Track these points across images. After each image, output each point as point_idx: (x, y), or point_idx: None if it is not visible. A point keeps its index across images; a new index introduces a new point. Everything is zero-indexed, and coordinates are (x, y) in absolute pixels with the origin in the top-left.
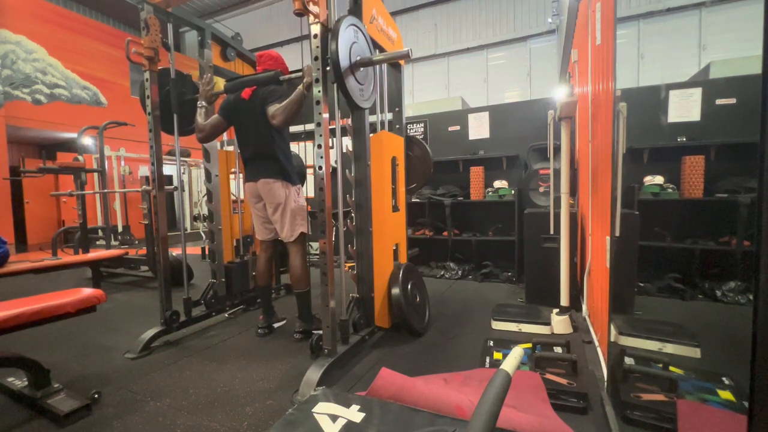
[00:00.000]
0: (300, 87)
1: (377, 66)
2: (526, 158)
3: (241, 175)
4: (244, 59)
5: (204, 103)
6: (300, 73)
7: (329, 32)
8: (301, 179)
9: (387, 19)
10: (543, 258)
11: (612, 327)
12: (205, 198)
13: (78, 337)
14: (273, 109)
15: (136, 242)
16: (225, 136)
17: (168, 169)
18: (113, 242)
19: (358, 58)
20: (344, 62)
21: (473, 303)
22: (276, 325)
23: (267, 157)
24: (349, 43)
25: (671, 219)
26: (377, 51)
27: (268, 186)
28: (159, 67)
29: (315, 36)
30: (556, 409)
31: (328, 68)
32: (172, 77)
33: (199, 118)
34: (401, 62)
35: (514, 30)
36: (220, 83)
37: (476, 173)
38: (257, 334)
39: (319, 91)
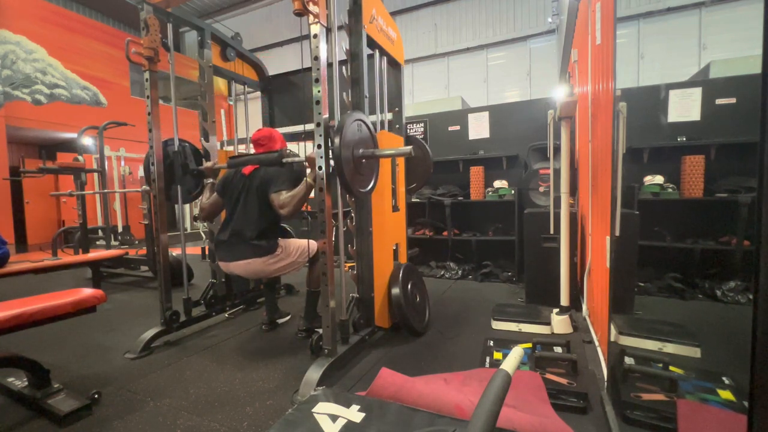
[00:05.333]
0: (307, 179)
1: (377, 66)
2: (526, 158)
3: None
4: (244, 59)
5: (211, 179)
6: (300, 158)
7: (333, 127)
8: (300, 178)
9: (387, 18)
10: (543, 258)
11: (612, 327)
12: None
13: (78, 337)
14: (282, 198)
15: (136, 242)
16: (225, 136)
17: None
18: (113, 242)
19: (361, 151)
20: (347, 158)
21: (473, 303)
22: (280, 321)
23: (244, 238)
24: (353, 139)
25: (671, 219)
26: (380, 52)
27: (244, 267)
28: (163, 139)
29: (315, 36)
30: (556, 408)
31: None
32: (175, 149)
33: (204, 197)
34: (401, 62)
35: (514, 30)
36: (220, 83)
37: (476, 173)
38: (261, 330)
39: (318, 91)
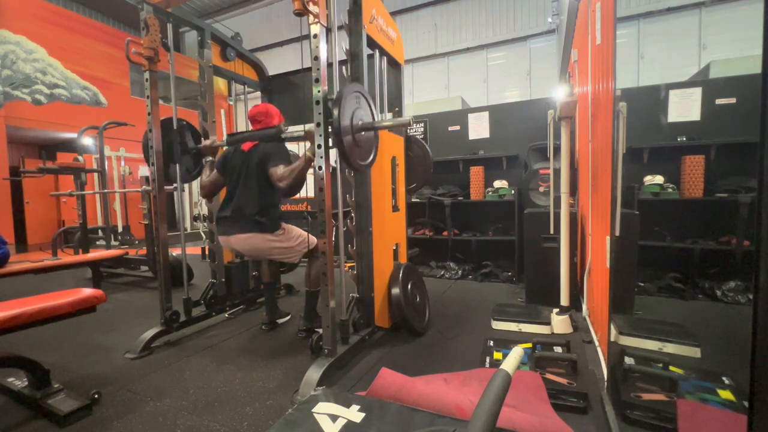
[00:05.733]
0: (307, 153)
1: (377, 66)
2: (526, 158)
3: None
4: (244, 59)
5: (210, 158)
6: (300, 130)
7: (332, 99)
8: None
9: (387, 18)
10: (543, 258)
11: (612, 327)
12: (205, 199)
13: (78, 337)
14: (280, 171)
15: (136, 242)
16: (225, 136)
17: None
18: (113, 242)
19: (360, 122)
20: (346, 129)
21: (473, 303)
22: (280, 321)
23: (246, 213)
24: (351, 110)
25: (671, 219)
26: (380, 52)
27: (245, 241)
28: (162, 117)
29: (315, 36)
30: (556, 408)
31: (330, 131)
32: (174, 127)
33: (203, 175)
34: (401, 62)
35: (514, 30)
36: (220, 83)
37: (476, 173)
38: (261, 330)
39: (318, 91)
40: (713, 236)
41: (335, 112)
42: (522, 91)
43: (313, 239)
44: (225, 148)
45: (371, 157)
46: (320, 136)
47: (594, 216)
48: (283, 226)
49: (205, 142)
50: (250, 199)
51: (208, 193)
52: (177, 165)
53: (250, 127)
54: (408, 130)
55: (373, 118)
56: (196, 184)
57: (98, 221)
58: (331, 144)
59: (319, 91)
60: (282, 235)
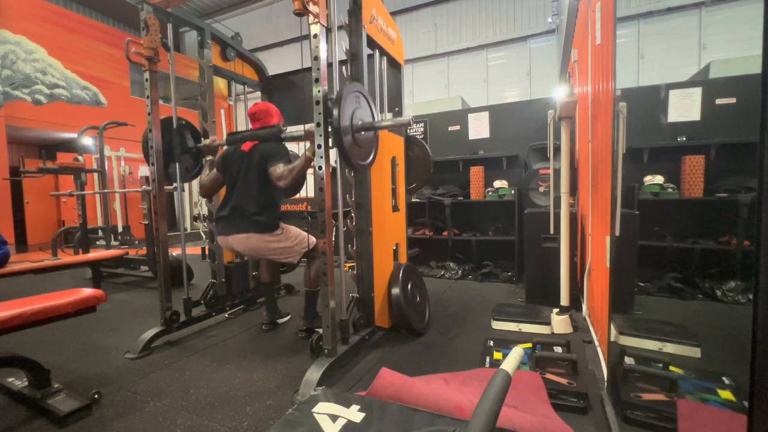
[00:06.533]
0: (306, 153)
1: (377, 66)
2: (526, 158)
3: None
4: (243, 59)
5: (210, 157)
6: (300, 129)
7: (332, 99)
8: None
9: (387, 18)
10: (543, 258)
11: (612, 327)
12: (205, 198)
13: (78, 337)
14: (279, 170)
15: (136, 242)
16: (225, 135)
17: None
18: (113, 242)
19: (360, 122)
20: (346, 128)
21: (473, 303)
22: (280, 321)
23: (244, 213)
24: (351, 110)
25: (671, 219)
26: (380, 52)
27: (243, 241)
28: (161, 117)
29: (315, 36)
30: (556, 408)
31: (330, 125)
32: (174, 126)
33: (203, 174)
34: (401, 62)
35: (514, 30)
36: (220, 83)
37: (476, 173)
38: (261, 330)
39: (318, 91)
40: (713, 236)
41: (335, 111)
42: (522, 91)
43: (313, 239)
44: (225, 147)
45: (371, 157)
46: (320, 135)
47: (594, 216)
48: (281, 226)
49: (205, 141)
50: (249, 198)
51: (208, 191)
52: (177, 164)
53: (250, 126)
54: (408, 130)
55: (373, 118)
56: (196, 184)
57: (98, 221)
58: (331, 144)
59: (319, 91)
60: (280, 235)
